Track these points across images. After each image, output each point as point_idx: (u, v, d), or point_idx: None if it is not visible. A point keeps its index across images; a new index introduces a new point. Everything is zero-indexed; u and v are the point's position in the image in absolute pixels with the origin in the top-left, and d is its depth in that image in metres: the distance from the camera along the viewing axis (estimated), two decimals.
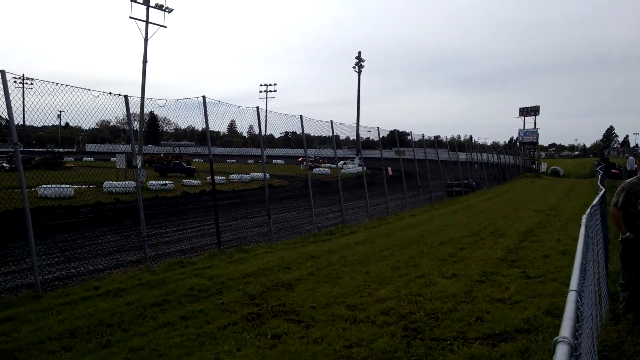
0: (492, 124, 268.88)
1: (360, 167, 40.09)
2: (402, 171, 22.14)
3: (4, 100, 7.46)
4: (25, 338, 5.47)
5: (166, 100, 11.16)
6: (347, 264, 9.45)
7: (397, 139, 22.71)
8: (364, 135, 28.48)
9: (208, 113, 11.19)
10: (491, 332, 5.65)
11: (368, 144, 40.42)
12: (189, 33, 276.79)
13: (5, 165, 37.66)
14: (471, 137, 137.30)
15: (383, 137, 20.52)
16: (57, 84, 8.51)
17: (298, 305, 6.66)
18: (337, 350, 5.11)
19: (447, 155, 31.42)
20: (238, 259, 10.03)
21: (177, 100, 11.23)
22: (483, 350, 5.13)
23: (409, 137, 26.03)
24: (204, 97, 11.03)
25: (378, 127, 19.83)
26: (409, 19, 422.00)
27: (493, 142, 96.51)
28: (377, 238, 13.00)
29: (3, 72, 7.41)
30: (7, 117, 7.59)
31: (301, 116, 14.63)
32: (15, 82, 8.31)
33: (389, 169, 23.88)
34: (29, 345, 5.27)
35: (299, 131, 15.17)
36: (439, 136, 37.58)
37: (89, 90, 8.85)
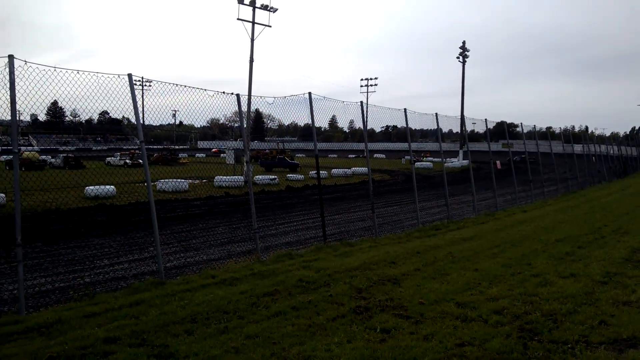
0: (610, 113, 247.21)
1: (465, 161, 38.81)
2: (512, 164, 21.10)
3: (129, 101, 8.05)
4: (152, 321, 5.92)
5: (274, 98, 11.50)
6: (455, 261, 9.21)
7: (505, 130, 21.67)
8: (468, 127, 27.49)
9: (312, 109, 11.34)
10: (617, 337, 5.23)
11: (473, 136, 39.09)
12: (290, 30, 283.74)
13: (127, 161, 41.19)
14: (587, 127, 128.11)
15: (490, 129, 19.64)
16: (175, 84, 9.03)
17: (406, 301, 6.60)
18: (449, 348, 4.99)
19: (561, 147, 29.52)
20: (343, 253, 10.15)
21: (285, 97, 11.52)
22: (609, 356, 4.78)
23: (518, 129, 24.71)
24: (309, 93, 11.21)
25: (486, 119, 19.04)
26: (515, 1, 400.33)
27: (612, 132, 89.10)
28: (485, 234, 12.53)
29: (130, 75, 8.00)
30: (128, 117, 8.22)
31: (405, 109, 14.42)
32: (136, 84, 8.95)
33: (498, 162, 22.85)
34: (156, 327, 5.70)
35: (400, 124, 15.00)
36: (550, 127, 35.32)
37: (205, 90, 9.29)
